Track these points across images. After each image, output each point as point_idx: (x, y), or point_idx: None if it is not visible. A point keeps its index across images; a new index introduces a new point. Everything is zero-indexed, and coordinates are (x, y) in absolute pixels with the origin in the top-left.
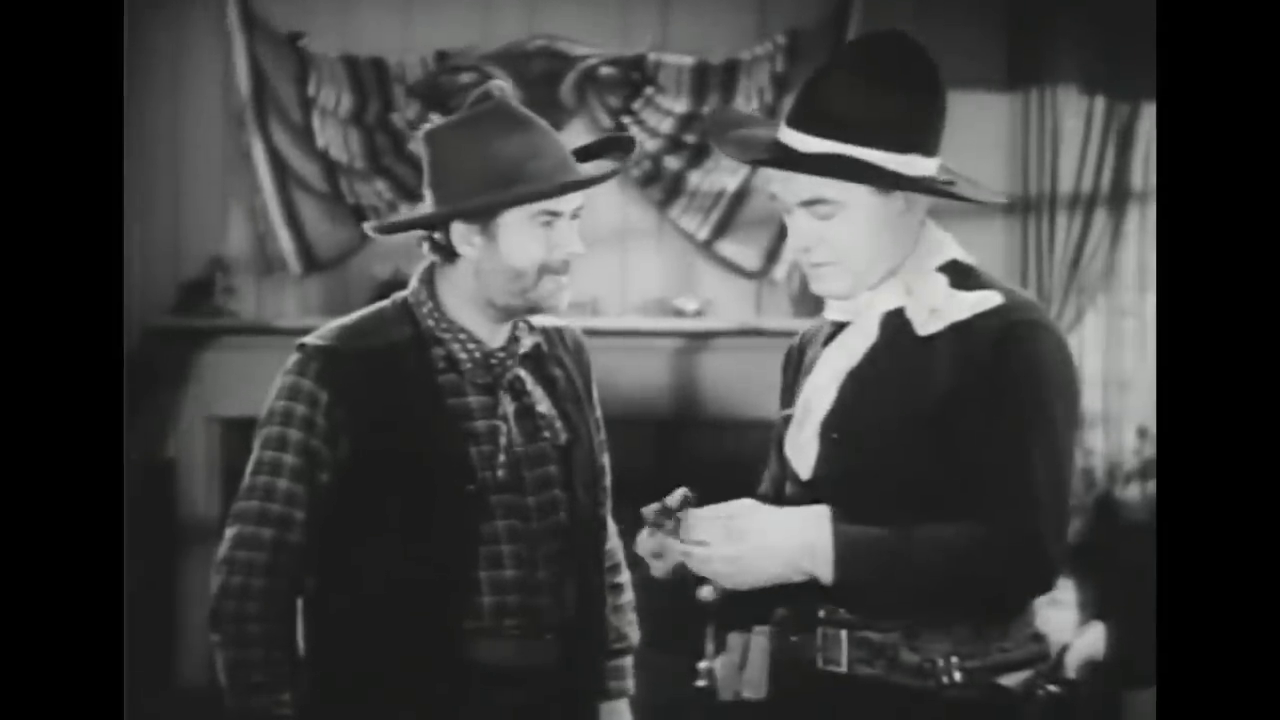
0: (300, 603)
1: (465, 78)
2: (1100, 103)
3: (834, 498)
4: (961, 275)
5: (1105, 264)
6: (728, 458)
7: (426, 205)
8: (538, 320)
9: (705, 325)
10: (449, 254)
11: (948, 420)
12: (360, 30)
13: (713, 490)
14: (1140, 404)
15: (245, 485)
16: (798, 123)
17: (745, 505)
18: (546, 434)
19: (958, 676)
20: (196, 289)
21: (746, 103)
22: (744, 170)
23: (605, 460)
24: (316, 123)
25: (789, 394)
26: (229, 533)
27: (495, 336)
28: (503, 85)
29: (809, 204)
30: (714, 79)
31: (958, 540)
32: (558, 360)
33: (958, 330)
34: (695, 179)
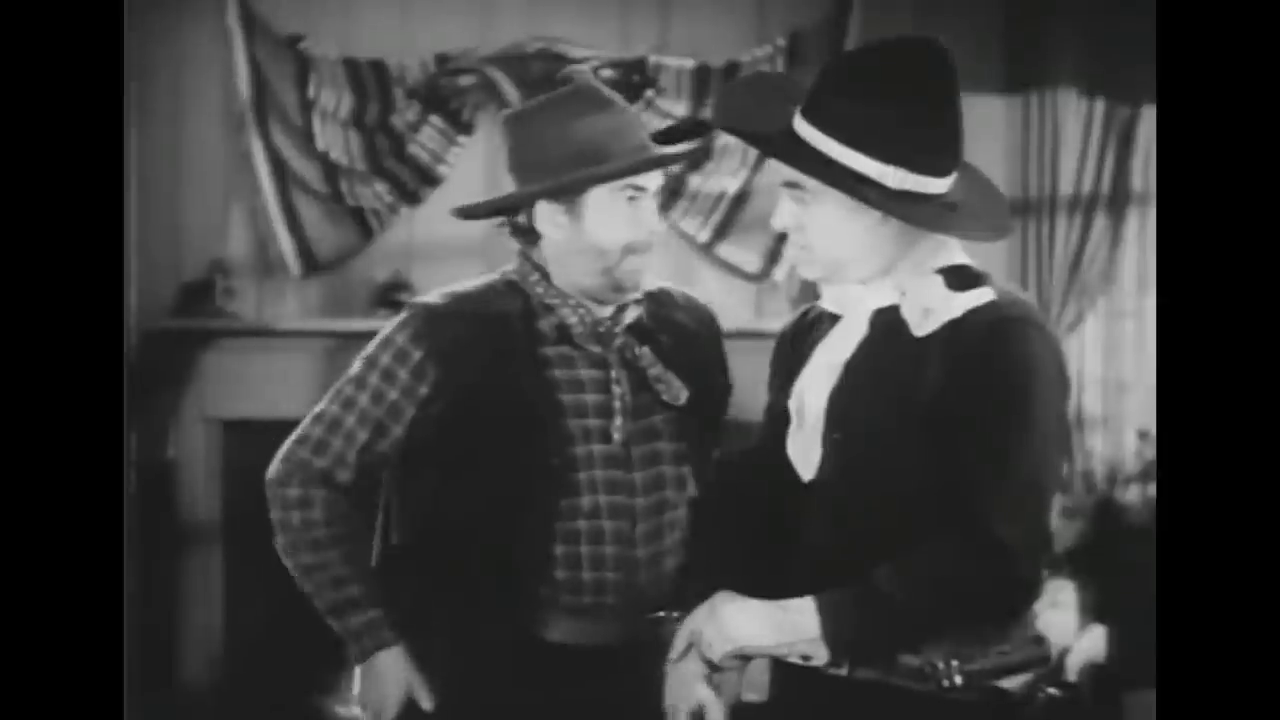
0: (378, 555)
1: (465, 80)
2: (1100, 105)
3: (835, 499)
4: (964, 279)
5: (1105, 266)
6: (724, 462)
7: (509, 188)
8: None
9: None
10: (531, 236)
11: (939, 418)
12: (360, 32)
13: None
14: (1140, 406)
15: (314, 413)
16: (805, 110)
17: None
18: (665, 398)
19: (958, 679)
20: (197, 291)
21: None
22: (744, 173)
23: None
24: (317, 125)
25: (777, 380)
26: (283, 451)
27: (601, 308)
28: (584, 69)
29: (787, 185)
30: (714, 81)
31: (925, 566)
32: (670, 323)
33: (950, 327)
34: (696, 182)
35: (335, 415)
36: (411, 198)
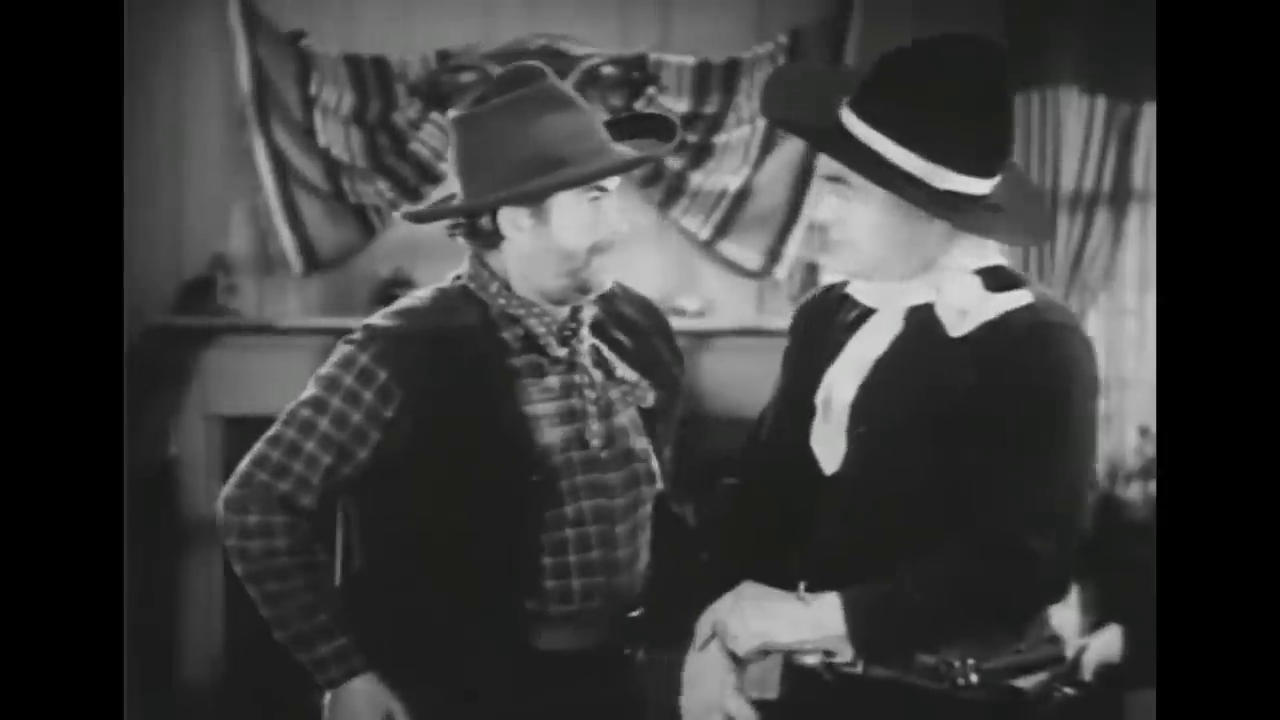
0: (340, 580)
1: (466, 77)
2: (1101, 103)
3: (856, 495)
4: (1002, 280)
5: (1106, 264)
6: (728, 457)
7: (460, 192)
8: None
9: (706, 325)
10: (490, 240)
11: (972, 420)
12: (362, 29)
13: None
14: (1141, 403)
15: (269, 435)
16: (854, 103)
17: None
18: (630, 399)
19: (974, 678)
20: (198, 288)
21: (747, 101)
22: (746, 170)
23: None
24: (318, 122)
25: (791, 360)
26: (238, 475)
27: (558, 311)
28: (535, 63)
29: (832, 180)
30: (715, 78)
31: (955, 572)
32: (623, 320)
33: (986, 329)
34: (697, 179)
35: (293, 439)
36: (413, 195)
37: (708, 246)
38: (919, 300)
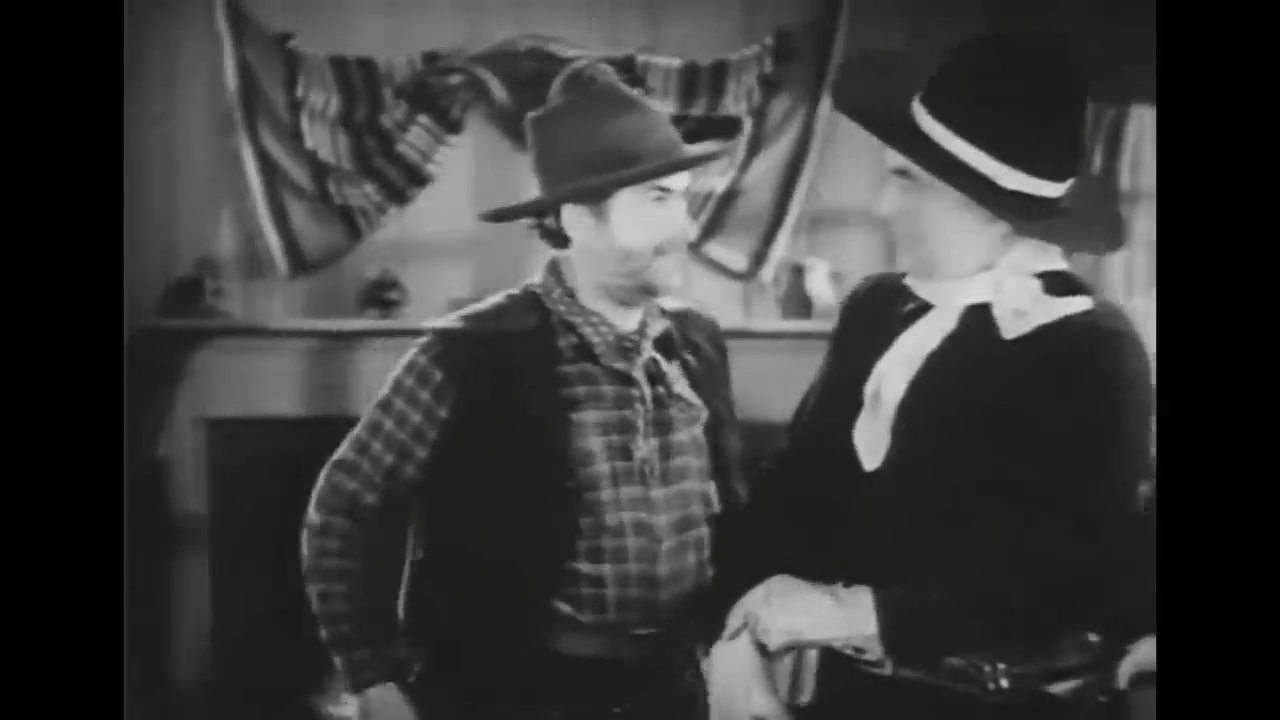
0: (406, 571)
1: (454, 79)
2: (1090, 106)
3: (897, 491)
4: (1062, 285)
5: (1093, 265)
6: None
7: (535, 191)
8: (668, 304)
9: None
10: (560, 239)
11: (1019, 422)
12: (349, 31)
13: None
14: None
15: (350, 437)
16: (925, 98)
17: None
18: (684, 416)
19: (1004, 683)
20: (185, 290)
21: (735, 104)
22: (732, 172)
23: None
24: (305, 124)
25: (843, 345)
26: (322, 476)
27: (626, 321)
28: (605, 67)
29: (896, 173)
30: (702, 80)
31: (986, 576)
32: (691, 344)
33: (1042, 333)
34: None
35: (364, 439)
36: (400, 197)
37: (694, 248)
38: (977, 299)
